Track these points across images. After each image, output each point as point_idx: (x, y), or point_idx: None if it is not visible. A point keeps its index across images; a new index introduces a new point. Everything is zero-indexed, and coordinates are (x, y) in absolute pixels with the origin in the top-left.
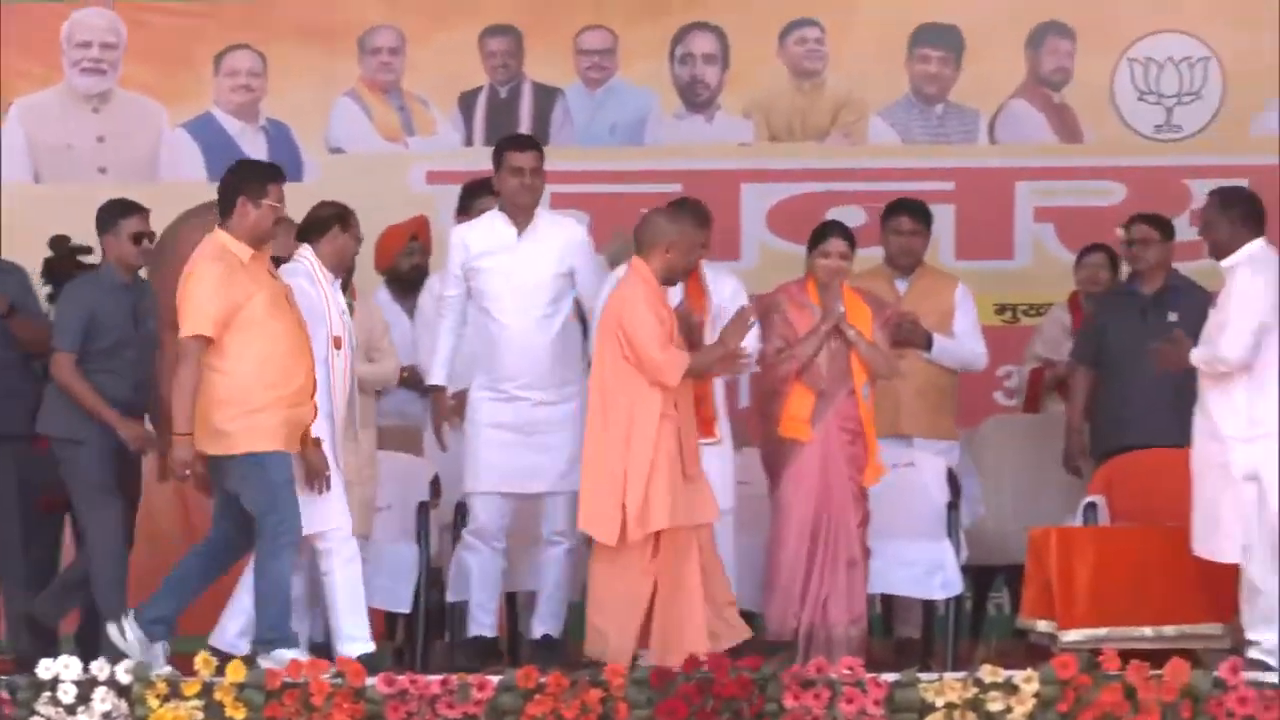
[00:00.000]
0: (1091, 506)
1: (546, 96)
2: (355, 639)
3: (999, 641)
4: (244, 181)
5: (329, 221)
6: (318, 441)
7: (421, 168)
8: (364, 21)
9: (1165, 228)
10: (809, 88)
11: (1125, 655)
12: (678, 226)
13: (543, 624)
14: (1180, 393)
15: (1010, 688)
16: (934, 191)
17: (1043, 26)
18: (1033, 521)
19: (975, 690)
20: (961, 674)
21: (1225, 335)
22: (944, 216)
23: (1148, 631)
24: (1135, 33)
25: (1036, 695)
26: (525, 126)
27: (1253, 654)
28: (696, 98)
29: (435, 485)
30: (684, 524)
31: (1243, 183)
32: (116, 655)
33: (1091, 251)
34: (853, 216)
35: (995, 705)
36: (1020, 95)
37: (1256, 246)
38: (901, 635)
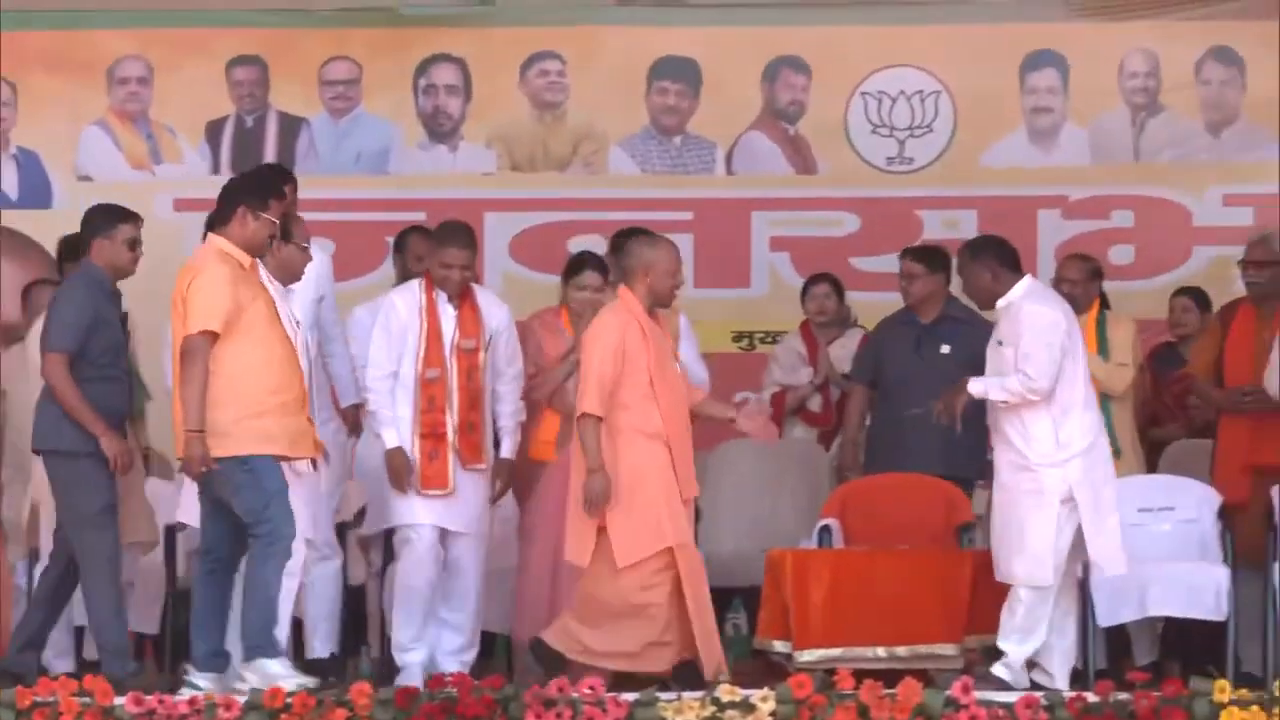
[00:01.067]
0: (826, 529)
1: (292, 126)
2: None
3: (737, 661)
4: (247, 192)
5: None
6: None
7: (169, 195)
8: (112, 52)
9: (933, 261)
10: (550, 119)
11: (860, 675)
12: (655, 252)
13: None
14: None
15: (747, 707)
16: (673, 221)
17: (778, 61)
18: (769, 543)
19: (713, 709)
20: (699, 693)
21: (1033, 365)
22: (683, 246)
23: (881, 652)
24: (868, 67)
25: (773, 714)
26: (270, 155)
27: (996, 669)
28: (440, 128)
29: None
30: (690, 543)
31: (972, 213)
32: None
33: (816, 282)
34: (594, 245)
35: None
36: (756, 127)
37: (1028, 282)
38: None
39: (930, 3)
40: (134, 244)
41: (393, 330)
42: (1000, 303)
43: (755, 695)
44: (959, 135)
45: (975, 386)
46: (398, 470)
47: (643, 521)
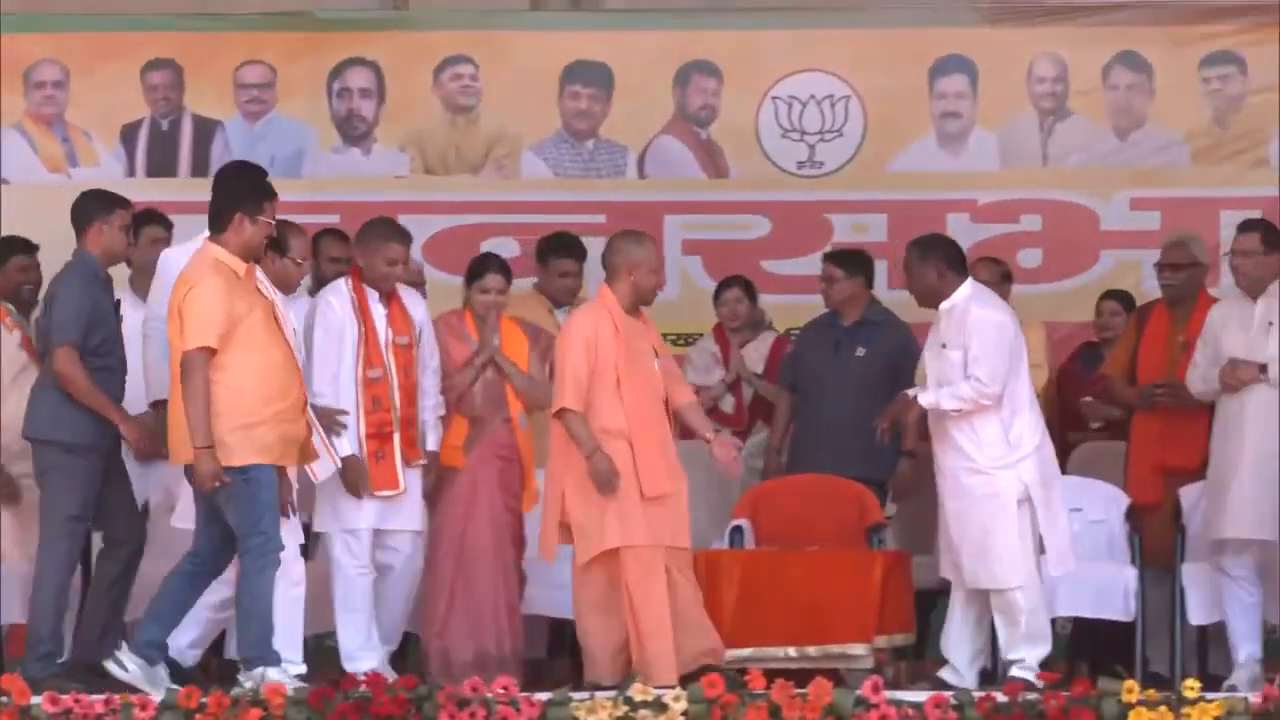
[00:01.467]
0: (738, 529)
1: (206, 129)
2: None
3: None
4: (242, 198)
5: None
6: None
7: None
8: (28, 55)
9: (853, 264)
10: (463, 122)
11: (771, 674)
12: (641, 250)
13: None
14: (869, 424)
15: (660, 706)
16: (585, 224)
17: (689, 65)
18: None
19: (626, 708)
20: (612, 693)
21: (985, 370)
22: (595, 249)
23: (792, 651)
24: (779, 72)
25: (685, 714)
26: (185, 158)
27: (1015, 673)
28: (353, 131)
29: None
30: (643, 544)
31: (882, 217)
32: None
33: (728, 285)
34: (507, 248)
35: None
36: (668, 131)
37: (970, 285)
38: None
39: (840, 8)
40: (128, 229)
41: (332, 330)
42: (944, 305)
43: (667, 695)
44: (869, 140)
45: (926, 398)
46: (358, 477)
47: (593, 522)
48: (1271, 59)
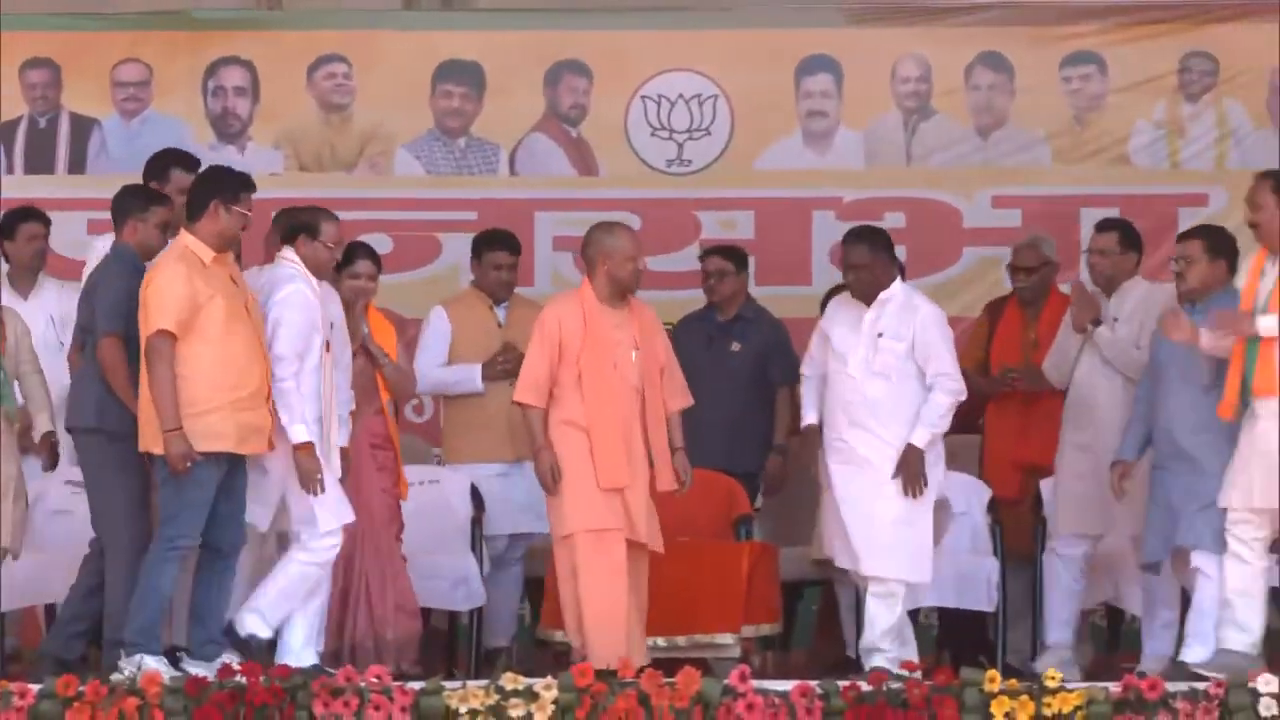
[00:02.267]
0: None
1: (84, 127)
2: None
3: (521, 650)
4: (219, 186)
5: (295, 231)
6: (308, 446)
7: None
8: None
9: (740, 259)
10: (337, 120)
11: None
12: (612, 239)
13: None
14: (740, 418)
15: (530, 695)
16: (457, 221)
17: (560, 64)
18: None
19: (497, 697)
20: (484, 682)
21: (950, 367)
22: (466, 245)
23: (660, 641)
24: (648, 71)
25: (555, 702)
26: (63, 156)
27: (879, 663)
28: (228, 129)
29: None
30: (594, 528)
31: (749, 214)
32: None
33: None
34: (381, 244)
35: (517, 711)
36: (539, 130)
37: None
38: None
39: (707, 8)
40: (165, 226)
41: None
42: (883, 295)
43: (539, 684)
44: (736, 138)
45: (921, 438)
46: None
47: (554, 507)
48: (1130, 58)
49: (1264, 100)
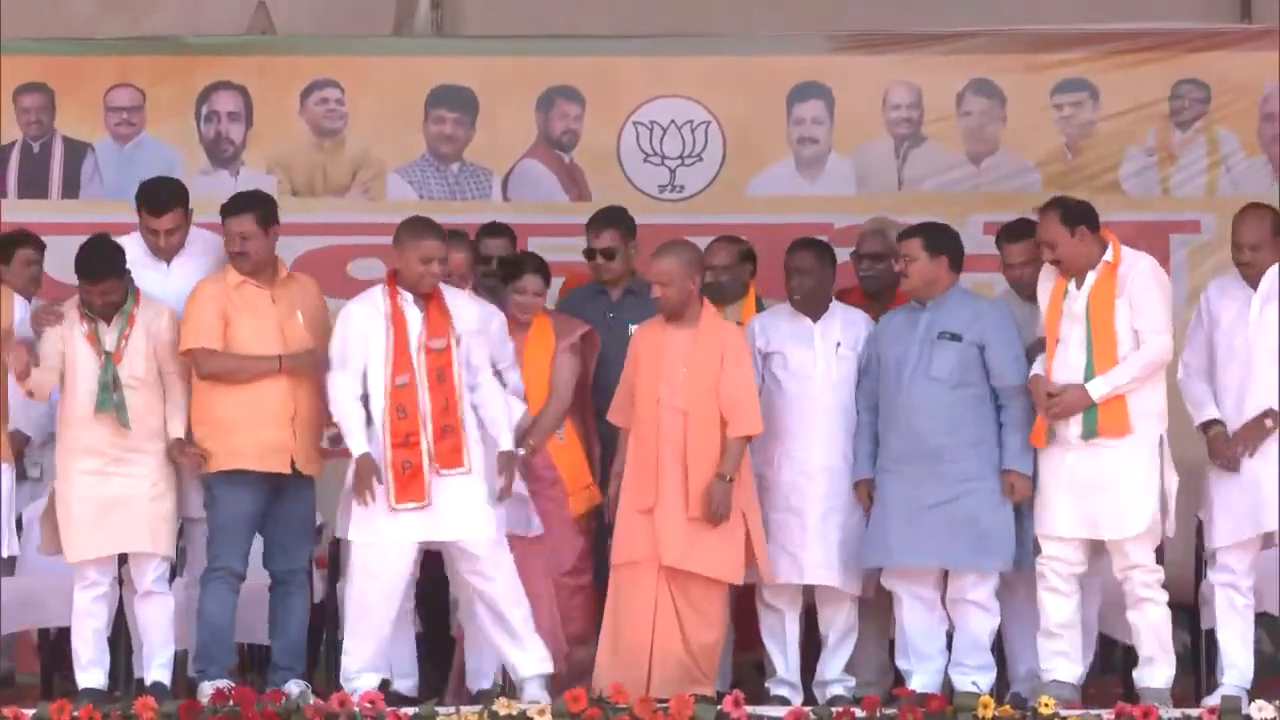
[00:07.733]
0: None
1: (77, 151)
2: None
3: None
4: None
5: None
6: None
7: None
8: None
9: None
10: (329, 145)
11: None
12: (657, 261)
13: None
14: None
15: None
16: None
17: (552, 90)
18: None
19: None
20: (477, 707)
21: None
22: None
23: None
24: (640, 97)
25: None
26: (56, 180)
27: (839, 691)
28: (221, 154)
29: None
30: (625, 560)
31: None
32: None
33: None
34: (373, 269)
35: None
36: (532, 155)
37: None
38: None
39: (699, 35)
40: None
41: (348, 341)
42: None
43: (532, 708)
44: (728, 164)
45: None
46: (366, 476)
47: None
48: (1122, 86)
49: (1255, 127)
